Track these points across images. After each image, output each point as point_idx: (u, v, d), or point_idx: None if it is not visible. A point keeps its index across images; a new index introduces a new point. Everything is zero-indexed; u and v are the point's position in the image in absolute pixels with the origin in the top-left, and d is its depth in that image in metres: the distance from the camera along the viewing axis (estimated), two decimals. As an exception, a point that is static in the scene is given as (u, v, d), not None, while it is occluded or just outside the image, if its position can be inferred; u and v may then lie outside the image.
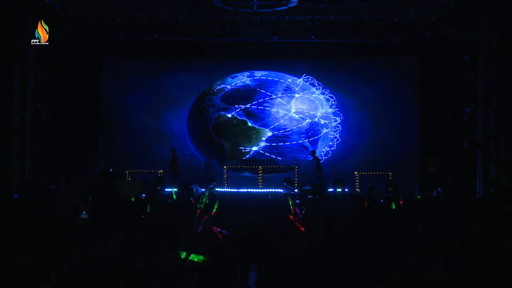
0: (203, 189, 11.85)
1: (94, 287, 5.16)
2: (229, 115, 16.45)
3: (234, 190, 13.51)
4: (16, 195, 10.61)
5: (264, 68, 17.10)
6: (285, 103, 16.58)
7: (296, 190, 12.22)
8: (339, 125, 16.91)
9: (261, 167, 14.54)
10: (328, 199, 10.21)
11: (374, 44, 15.80)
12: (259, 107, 16.45)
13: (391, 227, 6.37)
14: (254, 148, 16.47)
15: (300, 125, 16.53)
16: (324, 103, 16.83)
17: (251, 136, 16.47)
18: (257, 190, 13.68)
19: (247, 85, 16.77)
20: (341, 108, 16.94)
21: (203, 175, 15.02)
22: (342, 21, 14.57)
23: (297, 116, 16.55)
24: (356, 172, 15.06)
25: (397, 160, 16.07)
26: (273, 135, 16.39)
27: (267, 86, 16.74)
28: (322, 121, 16.74)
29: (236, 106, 16.47)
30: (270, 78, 16.95)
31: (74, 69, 15.49)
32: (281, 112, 16.55)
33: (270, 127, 16.44)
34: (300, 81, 16.90)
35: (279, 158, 16.25)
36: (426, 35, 14.72)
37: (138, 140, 16.55)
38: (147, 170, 15.16)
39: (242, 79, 16.92)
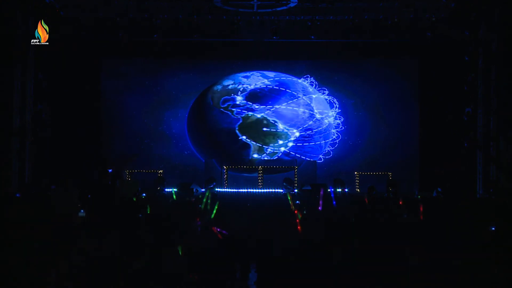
0: (203, 189, 11.87)
1: (94, 287, 5.16)
2: (259, 115, 16.45)
3: (234, 190, 13.52)
4: (18, 195, 10.60)
5: (263, 68, 17.10)
6: (309, 103, 16.67)
7: (296, 190, 12.22)
8: (341, 125, 16.93)
9: (261, 167, 14.56)
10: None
11: (374, 44, 15.78)
12: (288, 107, 16.50)
13: (392, 227, 6.38)
14: (282, 149, 16.55)
15: (321, 126, 16.63)
16: (335, 103, 16.89)
17: (281, 136, 16.52)
18: (257, 190, 13.69)
19: (268, 85, 16.78)
20: (341, 108, 16.94)
21: (203, 175, 15.02)
22: (342, 21, 14.56)
23: (319, 116, 16.65)
24: (356, 172, 15.07)
25: (397, 160, 16.07)
26: (301, 136, 16.47)
27: (288, 86, 16.82)
28: (332, 121, 16.83)
29: (264, 106, 16.48)
30: (284, 78, 16.99)
31: (74, 69, 15.49)
32: (307, 112, 16.63)
33: (299, 128, 16.51)
34: (307, 81, 16.92)
35: (303, 157, 16.29)
36: (426, 35, 14.72)
37: (138, 140, 16.55)
38: (147, 170, 15.15)
39: (257, 79, 16.90)
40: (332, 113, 16.86)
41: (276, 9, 14.17)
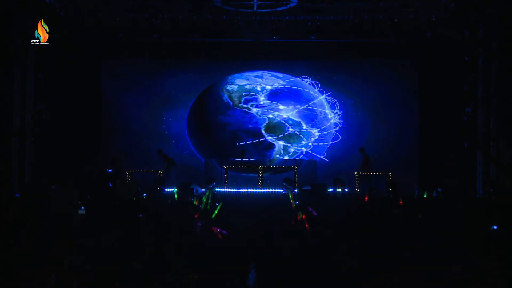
0: (203, 189, 11.87)
1: (94, 287, 5.16)
2: (285, 116, 16.48)
3: (234, 190, 13.51)
4: (17, 195, 10.61)
5: (263, 68, 17.11)
6: (322, 104, 16.77)
7: (296, 190, 12.22)
8: (340, 125, 16.97)
9: (261, 167, 14.55)
10: (327, 199, 10.23)
11: (374, 44, 15.78)
12: (308, 107, 16.57)
13: (392, 226, 6.38)
14: (304, 149, 16.63)
15: (334, 127, 16.77)
16: (336, 104, 16.96)
17: (304, 136, 16.60)
18: (257, 190, 13.68)
19: (285, 85, 16.87)
20: (341, 108, 16.95)
21: (203, 175, 15.01)
22: (342, 21, 14.56)
23: (330, 116, 16.74)
24: (356, 172, 15.05)
25: (397, 160, 16.06)
26: (319, 136, 16.57)
27: (304, 86, 16.88)
28: (335, 122, 16.93)
29: (288, 106, 16.51)
30: (294, 79, 17.06)
31: (74, 69, 15.48)
32: (323, 112, 16.76)
33: (317, 128, 16.61)
34: (308, 82, 16.97)
35: (319, 157, 16.39)
36: (426, 35, 14.71)
37: (137, 140, 16.55)
38: (148, 170, 15.14)
39: (271, 79, 16.94)
40: (334, 113, 16.96)
41: (276, 9, 14.16)
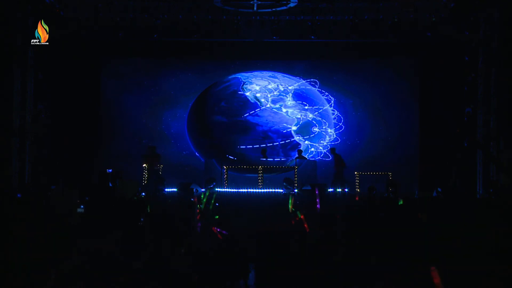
0: (203, 189, 11.89)
1: (94, 287, 5.16)
2: (310, 116, 16.54)
3: (234, 190, 13.53)
4: (19, 195, 10.60)
5: (262, 68, 17.12)
6: (333, 105, 16.86)
7: (296, 190, 12.24)
8: (341, 126, 17.01)
9: (261, 167, 14.55)
10: (327, 198, 10.23)
11: (374, 44, 15.78)
12: (325, 108, 16.65)
13: (391, 226, 6.38)
14: (321, 148, 16.71)
15: (335, 127, 16.81)
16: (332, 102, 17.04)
17: (326, 136, 16.68)
18: (257, 190, 13.69)
19: (300, 86, 16.93)
20: (339, 108, 16.97)
21: (203, 175, 15.01)
22: (342, 21, 14.57)
23: (333, 116, 16.86)
24: (356, 172, 15.05)
25: (397, 160, 16.06)
26: (337, 135, 16.67)
27: (315, 86, 16.93)
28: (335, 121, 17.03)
29: (312, 107, 16.59)
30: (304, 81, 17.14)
31: (74, 69, 15.47)
32: (333, 112, 16.84)
33: (332, 128, 16.82)
34: (303, 82, 17.01)
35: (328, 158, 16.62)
36: (426, 35, 14.71)
37: (136, 140, 16.55)
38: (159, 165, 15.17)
39: (284, 79, 16.99)
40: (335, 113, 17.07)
41: (276, 9, 14.16)
